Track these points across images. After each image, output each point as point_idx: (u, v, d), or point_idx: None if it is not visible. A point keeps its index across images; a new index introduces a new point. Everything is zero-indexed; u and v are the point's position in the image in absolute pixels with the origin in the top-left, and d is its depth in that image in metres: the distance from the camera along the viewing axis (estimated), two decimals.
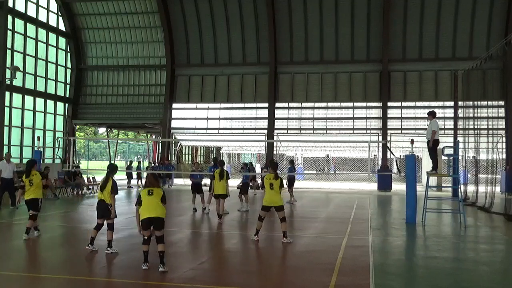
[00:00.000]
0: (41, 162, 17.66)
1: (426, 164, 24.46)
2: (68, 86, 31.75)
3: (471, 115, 20.86)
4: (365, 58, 28.87)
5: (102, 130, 58.73)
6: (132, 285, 6.48)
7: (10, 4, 25.83)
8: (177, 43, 30.94)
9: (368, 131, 28.37)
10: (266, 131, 29.58)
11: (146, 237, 7.15)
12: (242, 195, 15.69)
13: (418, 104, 28.30)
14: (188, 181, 31.17)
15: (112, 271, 7.15)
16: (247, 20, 29.73)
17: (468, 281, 6.97)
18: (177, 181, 30.76)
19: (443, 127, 26.19)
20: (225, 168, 13.85)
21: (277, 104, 29.68)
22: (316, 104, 29.50)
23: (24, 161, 26.14)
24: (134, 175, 27.71)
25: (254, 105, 30.29)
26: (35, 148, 16.89)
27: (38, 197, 9.58)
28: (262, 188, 17.41)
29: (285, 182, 18.44)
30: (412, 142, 13.54)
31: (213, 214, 14.33)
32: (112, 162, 36.97)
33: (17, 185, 14.52)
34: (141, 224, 7.17)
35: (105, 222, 8.41)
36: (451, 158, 13.92)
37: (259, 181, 23.48)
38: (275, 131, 29.50)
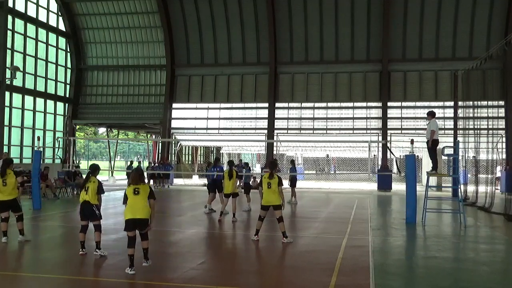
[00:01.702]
0: (41, 162, 17.64)
1: (426, 164, 24.46)
2: (68, 86, 31.74)
3: (471, 115, 20.87)
4: (365, 58, 28.86)
5: (102, 130, 58.72)
6: (132, 285, 6.48)
7: (10, 4, 25.81)
8: (177, 43, 30.93)
9: (368, 131, 28.37)
10: (266, 131, 29.57)
11: (131, 237, 7.00)
12: (246, 195, 15.76)
13: (418, 104, 28.30)
14: (188, 181, 31.44)
15: (111, 271, 7.15)
16: (247, 20, 29.73)
17: (468, 281, 6.97)
18: (177, 181, 30.81)
19: (443, 127, 26.21)
20: (225, 168, 13.90)
21: (277, 104, 29.67)
22: (316, 104, 29.49)
23: (24, 161, 26.16)
24: None
25: (254, 105, 30.29)
26: (35, 148, 16.85)
27: (15, 197, 9.28)
28: (257, 188, 17.46)
29: (287, 182, 18.62)
30: (412, 142, 13.54)
31: (214, 214, 14.34)
32: (112, 161, 37.02)
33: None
34: (125, 224, 7.04)
35: (92, 224, 8.16)
36: (451, 158, 13.92)
37: (258, 180, 23.51)
38: (275, 131, 29.49)
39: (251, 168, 18.92)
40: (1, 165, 9.44)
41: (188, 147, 39.49)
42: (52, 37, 29.98)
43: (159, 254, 7.97)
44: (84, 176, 21.33)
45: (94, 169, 8.43)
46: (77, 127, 37.37)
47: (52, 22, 29.98)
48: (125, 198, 7.15)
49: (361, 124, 28.83)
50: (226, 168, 13.42)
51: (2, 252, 8.55)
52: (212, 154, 45.19)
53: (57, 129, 30.27)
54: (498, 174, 23.98)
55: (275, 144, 29.53)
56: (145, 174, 28.28)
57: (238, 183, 14.36)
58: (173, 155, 32.31)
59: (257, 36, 29.79)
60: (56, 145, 29.49)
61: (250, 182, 17.38)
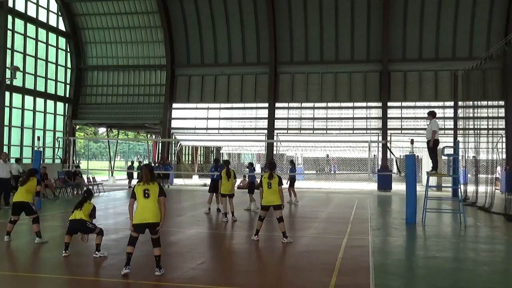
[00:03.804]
0: (41, 162, 17.64)
1: (426, 164, 24.46)
2: (68, 86, 31.75)
3: (471, 115, 20.86)
4: (365, 58, 28.87)
5: (102, 130, 58.71)
6: (132, 285, 6.48)
7: (10, 4, 25.82)
8: (177, 43, 30.94)
9: (368, 131, 28.37)
10: (266, 131, 29.58)
11: (134, 237, 6.90)
12: (249, 195, 15.74)
13: (418, 104, 28.30)
14: (188, 181, 31.43)
15: (111, 271, 7.14)
16: (247, 20, 29.74)
17: (468, 281, 6.96)
18: (177, 181, 30.80)
19: (443, 127, 26.21)
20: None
21: (277, 104, 29.68)
22: (316, 104, 29.50)
23: (24, 161, 26.11)
24: (135, 175, 27.72)
25: (254, 105, 30.29)
26: (35, 148, 16.86)
27: (28, 201, 9.31)
28: (257, 189, 17.39)
29: (286, 182, 18.62)
30: (412, 142, 13.54)
31: (213, 214, 14.34)
32: (112, 161, 37.00)
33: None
34: (135, 227, 6.89)
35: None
36: (451, 158, 13.93)
37: (258, 181, 23.50)
38: (275, 131, 29.50)
39: (255, 168, 18.88)
40: (26, 174, 9.75)
41: (188, 147, 39.48)
42: (52, 37, 29.99)
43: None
44: (84, 177, 21.39)
45: (90, 194, 8.49)
46: (77, 127, 37.37)
47: (52, 22, 29.98)
48: (133, 195, 6.96)
49: (361, 124, 28.83)
50: (224, 168, 13.34)
51: (2, 252, 8.55)
52: (212, 154, 45.19)
53: (57, 129, 30.27)
54: (498, 175, 23.92)
55: (275, 144, 29.54)
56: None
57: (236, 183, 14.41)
58: (173, 155, 32.30)
59: (257, 36, 29.80)
60: (56, 145, 29.49)
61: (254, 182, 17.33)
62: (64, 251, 7.99)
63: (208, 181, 18.58)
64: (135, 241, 6.94)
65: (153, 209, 6.87)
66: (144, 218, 6.83)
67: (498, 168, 23.59)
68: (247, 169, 17.38)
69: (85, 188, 9.00)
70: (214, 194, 14.81)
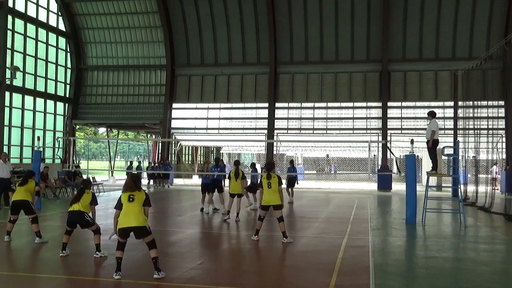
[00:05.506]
0: (41, 162, 17.65)
1: (426, 164, 24.45)
2: (68, 86, 31.75)
3: (471, 115, 20.86)
4: (365, 58, 28.87)
5: (102, 130, 58.73)
6: (132, 285, 6.48)
7: (10, 4, 25.83)
8: (177, 43, 30.94)
9: (368, 131, 28.37)
10: (266, 131, 29.58)
11: (121, 242, 6.81)
12: (251, 194, 15.79)
13: (418, 104, 28.31)
14: (188, 181, 31.45)
15: (111, 271, 7.13)
16: (247, 20, 29.74)
17: (467, 281, 6.96)
18: (177, 181, 30.79)
19: (443, 127, 26.20)
20: (226, 168, 13.92)
21: (277, 104, 29.68)
22: (316, 104, 29.50)
23: (24, 161, 26.16)
24: None
25: (254, 105, 30.29)
26: (35, 148, 16.86)
27: (28, 199, 9.30)
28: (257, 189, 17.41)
29: (284, 182, 18.63)
30: (412, 142, 13.54)
31: (214, 214, 14.34)
32: (112, 161, 36.96)
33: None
34: (119, 232, 6.78)
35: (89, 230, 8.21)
36: (451, 158, 13.92)
37: (259, 181, 23.45)
38: (275, 131, 29.50)
39: (257, 168, 18.87)
40: (24, 176, 9.81)
41: (188, 147, 39.49)
42: (52, 37, 29.99)
43: (159, 254, 7.95)
44: (84, 176, 21.37)
45: (88, 184, 8.53)
46: (77, 127, 37.37)
47: (52, 22, 29.99)
48: (119, 204, 6.91)
49: (361, 124, 28.84)
50: (232, 168, 13.43)
51: (2, 252, 8.56)
52: (212, 154, 45.20)
53: (57, 129, 30.28)
54: (495, 175, 23.82)
55: (275, 144, 29.54)
56: (145, 174, 28.19)
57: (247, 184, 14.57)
58: (173, 155, 32.31)
59: (257, 36, 29.80)
60: (56, 145, 29.50)
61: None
62: (61, 251, 7.97)
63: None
64: (123, 246, 6.86)
65: (137, 213, 6.79)
66: (128, 222, 6.75)
67: (494, 168, 23.50)
68: (250, 169, 17.37)
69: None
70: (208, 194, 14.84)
